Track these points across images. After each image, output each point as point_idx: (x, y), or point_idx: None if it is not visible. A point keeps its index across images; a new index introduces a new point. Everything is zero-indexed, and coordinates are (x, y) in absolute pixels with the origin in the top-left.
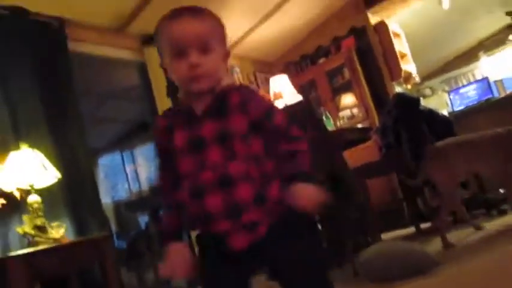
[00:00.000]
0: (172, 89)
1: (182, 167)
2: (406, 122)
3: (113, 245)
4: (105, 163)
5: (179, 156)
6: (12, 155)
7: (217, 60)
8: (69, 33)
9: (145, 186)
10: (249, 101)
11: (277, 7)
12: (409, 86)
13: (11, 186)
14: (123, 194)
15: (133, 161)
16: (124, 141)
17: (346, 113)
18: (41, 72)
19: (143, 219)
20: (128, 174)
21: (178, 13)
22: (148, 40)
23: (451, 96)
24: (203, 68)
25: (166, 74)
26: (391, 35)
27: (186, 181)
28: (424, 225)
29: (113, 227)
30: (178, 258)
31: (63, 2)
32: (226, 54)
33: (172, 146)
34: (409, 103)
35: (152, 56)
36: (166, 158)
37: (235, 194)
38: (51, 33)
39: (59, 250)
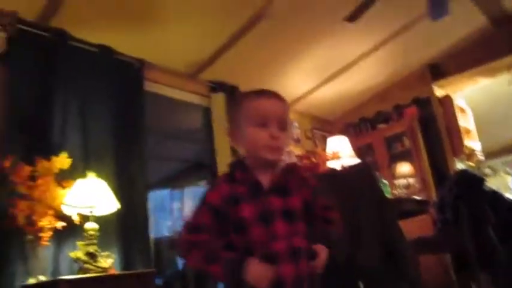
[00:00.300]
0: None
1: (253, 235)
2: (468, 201)
3: (155, 281)
4: (152, 198)
5: (248, 226)
6: (79, 181)
7: (287, 138)
8: (146, 74)
9: None
10: (305, 182)
11: (342, 70)
12: (471, 163)
13: (73, 211)
14: (165, 231)
15: (181, 200)
16: (175, 179)
17: (401, 181)
18: (117, 106)
19: (180, 259)
20: (174, 212)
21: (267, 92)
22: (215, 88)
23: None
24: (279, 141)
25: (233, 142)
26: (456, 109)
27: (256, 248)
28: None
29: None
30: (261, 266)
31: (146, 45)
32: (290, 137)
33: (236, 215)
34: (472, 181)
35: (217, 102)
36: (220, 221)
37: (300, 266)
38: (131, 72)
39: (105, 280)
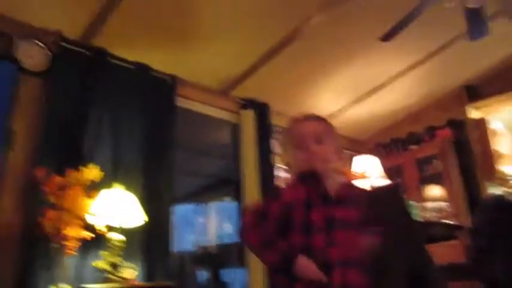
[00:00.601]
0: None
1: (316, 241)
2: (505, 228)
3: None
4: (177, 212)
5: (314, 231)
6: (106, 192)
7: (329, 149)
8: (179, 90)
9: (212, 242)
10: (359, 197)
11: (375, 90)
12: (508, 189)
13: (100, 222)
14: (188, 245)
15: (205, 215)
16: (200, 194)
17: (432, 204)
18: (149, 121)
19: (202, 275)
20: (197, 227)
21: (304, 117)
22: (245, 105)
23: None
24: (317, 155)
25: (286, 165)
26: (490, 133)
27: (314, 253)
28: None
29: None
30: (312, 264)
31: (180, 62)
32: (338, 148)
33: (307, 218)
34: (510, 207)
35: (246, 118)
36: (285, 224)
37: (347, 276)
38: (164, 88)
39: None
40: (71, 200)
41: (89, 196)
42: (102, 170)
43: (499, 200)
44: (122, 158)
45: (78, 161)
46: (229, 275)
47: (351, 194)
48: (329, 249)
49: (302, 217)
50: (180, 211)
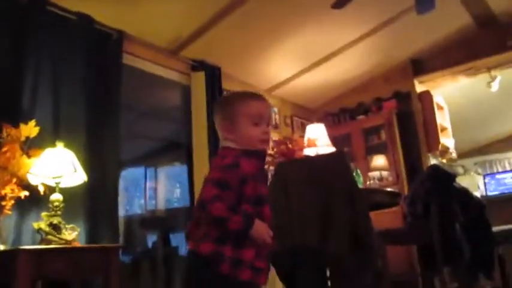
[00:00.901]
0: None
1: (265, 210)
2: (438, 196)
3: (119, 257)
4: (126, 176)
5: (264, 202)
6: (48, 151)
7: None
8: (125, 47)
9: (161, 206)
10: None
11: (326, 59)
12: (444, 160)
13: (38, 180)
14: (136, 209)
15: (155, 179)
16: (150, 157)
17: (375, 174)
18: (92, 78)
19: (151, 239)
20: (147, 191)
21: (259, 96)
22: (196, 66)
23: (486, 180)
24: (268, 136)
25: (225, 133)
26: (435, 106)
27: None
28: None
29: (120, 240)
30: (266, 226)
31: (127, 16)
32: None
33: (257, 191)
34: (444, 177)
35: (197, 81)
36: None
37: None
38: (109, 44)
39: (68, 252)
40: (6, 157)
41: (28, 154)
42: (42, 127)
43: (435, 170)
44: (63, 115)
45: (16, 116)
46: (178, 239)
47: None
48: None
49: (253, 190)
50: (130, 175)
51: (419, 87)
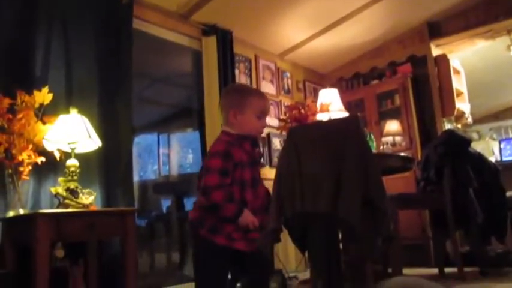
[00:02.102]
0: None
1: (247, 194)
2: (452, 161)
3: (135, 220)
4: (140, 142)
5: (246, 187)
6: (62, 117)
7: None
8: (136, 11)
9: (174, 171)
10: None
11: (339, 22)
12: (459, 126)
13: (53, 146)
14: (151, 175)
15: (168, 145)
16: (163, 124)
17: (388, 139)
18: (104, 43)
19: (165, 203)
20: (160, 156)
21: (264, 95)
22: (208, 31)
23: (502, 145)
24: (264, 128)
25: (231, 118)
26: (451, 70)
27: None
28: (447, 270)
29: (136, 205)
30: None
31: None
32: None
33: (242, 176)
34: (459, 142)
35: (209, 46)
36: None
37: (265, 218)
38: (120, 9)
39: (85, 215)
40: (21, 123)
41: (42, 121)
42: (54, 93)
43: (450, 134)
44: (75, 82)
45: (29, 83)
46: (191, 203)
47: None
48: (255, 200)
49: (240, 175)
50: (144, 141)
51: (435, 51)
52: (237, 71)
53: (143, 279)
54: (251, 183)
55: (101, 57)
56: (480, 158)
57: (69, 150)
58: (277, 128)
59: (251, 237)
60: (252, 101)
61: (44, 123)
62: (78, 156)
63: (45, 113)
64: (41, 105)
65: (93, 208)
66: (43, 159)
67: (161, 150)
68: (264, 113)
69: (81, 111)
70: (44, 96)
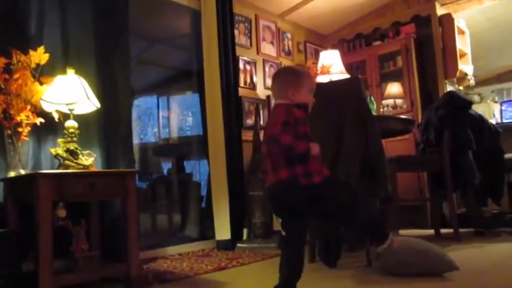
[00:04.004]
0: None
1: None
2: (452, 122)
3: (136, 181)
4: (140, 105)
5: (309, 137)
6: (59, 78)
7: None
8: None
9: (174, 134)
10: None
11: None
12: (461, 88)
13: (52, 107)
14: (151, 137)
15: (168, 108)
16: (162, 86)
17: (389, 101)
18: (99, 2)
19: (166, 165)
20: (160, 119)
21: (312, 75)
22: None
23: (503, 107)
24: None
25: (291, 94)
26: (456, 30)
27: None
28: (443, 231)
29: (137, 167)
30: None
31: None
32: None
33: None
34: (460, 104)
35: (208, 5)
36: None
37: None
38: None
39: (86, 176)
40: (18, 84)
41: (40, 81)
42: (52, 55)
43: (450, 96)
44: (72, 43)
45: (24, 42)
46: (191, 165)
47: None
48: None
49: (303, 129)
50: (143, 104)
51: (440, 10)
52: (236, 32)
53: (145, 239)
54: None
55: (97, 17)
56: (481, 120)
57: (68, 112)
58: None
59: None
60: (306, 81)
61: (41, 83)
62: (77, 118)
63: (42, 73)
64: (38, 65)
65: (93, 169)
66: (42, 120)
67: (161, 113)
68: (313, 90)
69: (79, 72)
70: (40, 56)
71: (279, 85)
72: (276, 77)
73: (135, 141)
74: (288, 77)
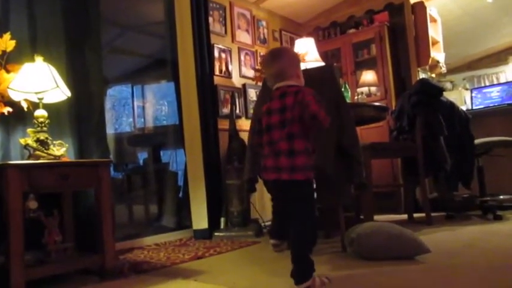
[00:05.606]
0: None
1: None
2: (424, 109)
3: (110, 171)
4: (114, 94)
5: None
6: (26, 65)
7: None
8: None
9: (150, 124)
10: None
11: None
12: (433, 75)
13: (20, 96)
14: (126, 127)
15: (143, 97)
16: (137, 75)
17: (363, 89)
18: None
19: (142, 155)
20: (135, 109)
21: None
22: None
23: (473, 94)
24: None
25: (291, 72)
26: (428, 18)
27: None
28: (416, 215)
29: (112, 158)
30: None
31: None
32: None
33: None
34: (432, 91)
35: None
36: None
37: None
38: None
39: (57, 167)
40: None
41: (7, 70)
42: (19, 41)
43: (423, 83)
44: (40, 29)
45: None
46: (167, 155)
47: None
48: None
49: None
50: (118, 93)
51: None
52: (211, 19)
53: (122, 230)
54: None
55: (67, 3)
56: (452, 107)
57: (37, 101)
58: (253, 79)
59: None
60: (299, 61)
61: (7, 71)
62: (48, 107)
63: (8, 61)
64: (4, 52)
65: (65, 159)
66: (10, 109)
67: (136, 103)
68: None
69: (48, 59)
70: (6, 42)
71: (285, 65)
72: (277, 58)
73: (110, 131)
74: (291, 56)
